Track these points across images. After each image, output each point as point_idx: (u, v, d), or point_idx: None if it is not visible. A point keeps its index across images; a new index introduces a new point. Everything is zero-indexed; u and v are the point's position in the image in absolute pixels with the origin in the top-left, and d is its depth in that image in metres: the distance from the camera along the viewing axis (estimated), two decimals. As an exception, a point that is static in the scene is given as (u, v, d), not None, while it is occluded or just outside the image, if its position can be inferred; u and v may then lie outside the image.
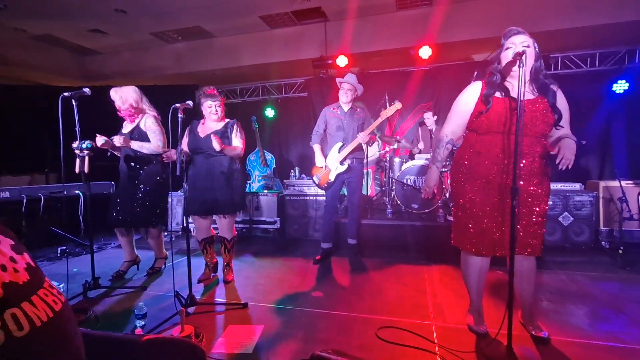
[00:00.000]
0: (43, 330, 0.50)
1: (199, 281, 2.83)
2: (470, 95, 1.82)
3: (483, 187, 1.79)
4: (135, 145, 2.78)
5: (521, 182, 1.72)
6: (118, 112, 2.85)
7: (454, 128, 1.88)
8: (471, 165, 1.82)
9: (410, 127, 5.67)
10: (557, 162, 1.61)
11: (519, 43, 1.66)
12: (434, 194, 2.04)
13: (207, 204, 2.68)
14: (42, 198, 3.77)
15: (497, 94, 1.75)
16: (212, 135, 2.58)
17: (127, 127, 2.90)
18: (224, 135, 2.68)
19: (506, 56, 1.69)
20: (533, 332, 1.87)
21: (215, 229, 2.89)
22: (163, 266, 3.17)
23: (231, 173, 2.71)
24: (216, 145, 2.51)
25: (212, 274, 2.96)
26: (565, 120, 1.74)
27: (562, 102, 1.74)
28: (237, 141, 2.73)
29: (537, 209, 1.77)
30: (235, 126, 2.75)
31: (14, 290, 0.48)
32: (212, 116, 2.71)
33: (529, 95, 1.71)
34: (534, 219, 1.78)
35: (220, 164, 2.69)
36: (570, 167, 1.60)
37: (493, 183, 1.77)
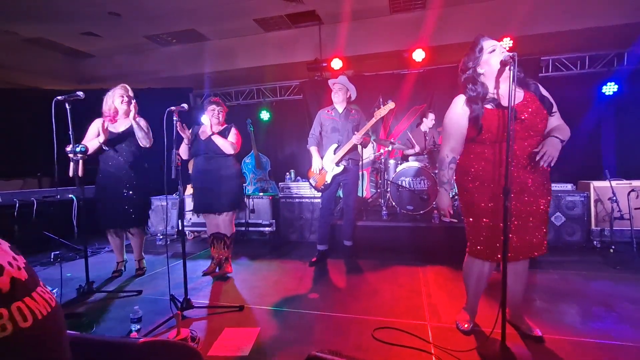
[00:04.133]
0: (44, 323, 0.54)
1: (204, 274, 3.03)
2: (458, 115, 1.77)
3: (492, 193, 1.74)
4: (143, 125, 2.91)
5: (529, 182, 1.72)
6: (114, 112, 2.88)
7: (454, 146, 1.84)
8: (478, 172, 1.77)
9: (404, 129, 5.70)
10: (537, 158, 1.60)
11: (499, 46, 1.70)
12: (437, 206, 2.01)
13: (207, 202, 2.92)
14: (35, 202, 3.73)
15: (488, 106, 1.71)
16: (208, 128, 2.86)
17: (121, 126, 2.90)
18: (223, 136, 2.92)
19: (487, 61, 1.69)
20: (526, 331, 1.90)
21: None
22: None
23: (229, 174, 2.93)
24: (209, 130, 2.85)
25: (217, 268, 3.08)
26: (555, 109, 1.74)
27: (544, 92, 1.75)
28: (231, 138, 2.95)
29: (542, 207, 1.78)
30: (232, 128, 2.99)
31: (18, 286, 0.53)
32: (214, 119, 2.91)
33: (518, 96, 1.70)
34: (542, 218, 1.78)
35: (219, 165, 2.91)
36: (552, 164, 1.59)
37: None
